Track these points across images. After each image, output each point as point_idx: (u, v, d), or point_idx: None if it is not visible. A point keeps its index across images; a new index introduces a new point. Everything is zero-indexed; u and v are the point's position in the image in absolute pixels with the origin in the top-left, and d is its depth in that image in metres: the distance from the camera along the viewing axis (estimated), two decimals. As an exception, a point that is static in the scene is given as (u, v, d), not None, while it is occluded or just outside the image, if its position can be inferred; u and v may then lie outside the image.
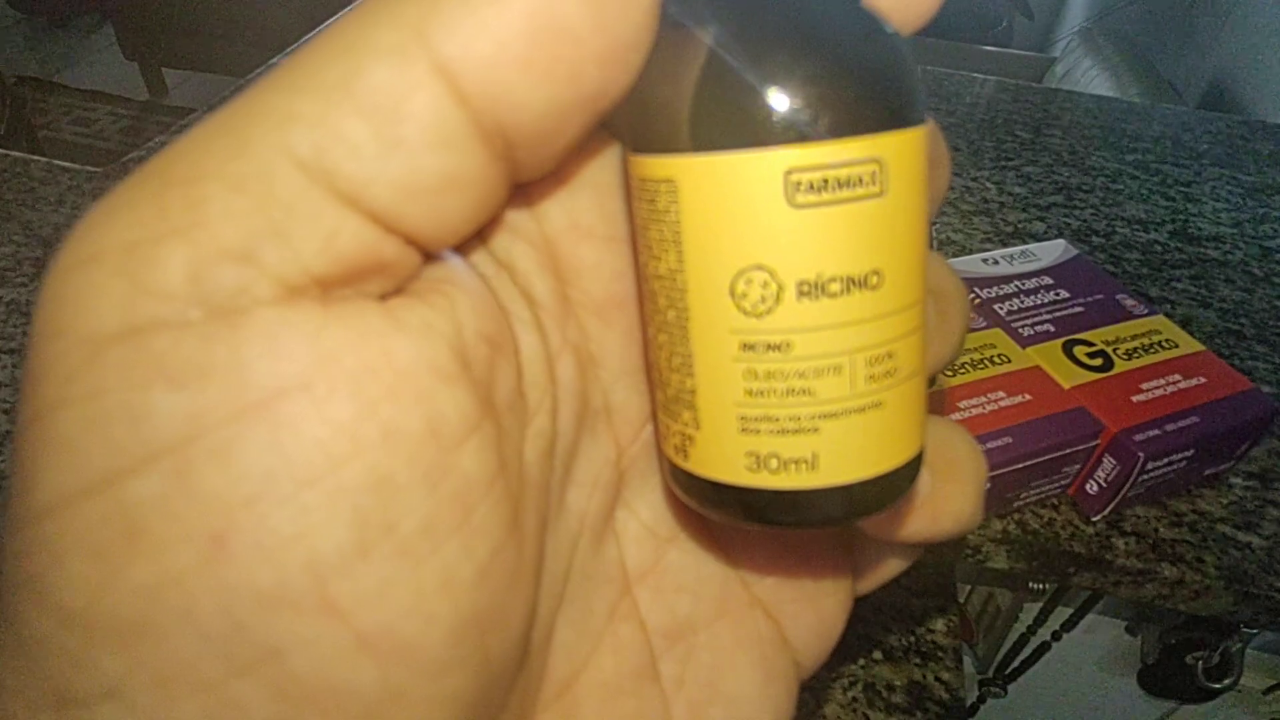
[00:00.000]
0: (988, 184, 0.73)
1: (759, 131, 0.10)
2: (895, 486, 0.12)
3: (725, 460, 0.12)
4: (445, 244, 0.11)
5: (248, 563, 0.09)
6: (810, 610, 0.16)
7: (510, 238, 0.13)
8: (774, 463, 0.12)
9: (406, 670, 0.10)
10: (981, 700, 0.70)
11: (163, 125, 2.14)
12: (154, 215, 0.09)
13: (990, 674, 0.69)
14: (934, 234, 0.63)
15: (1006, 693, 0.69)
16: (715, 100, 0.10)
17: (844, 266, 0.11)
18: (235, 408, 0.09)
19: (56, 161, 0.65)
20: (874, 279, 0.11)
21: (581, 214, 0.13)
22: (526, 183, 0.12)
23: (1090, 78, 1.55)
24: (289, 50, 0.82)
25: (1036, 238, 0.67)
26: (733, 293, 0.11)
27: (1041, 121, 0.85)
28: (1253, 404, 0.44)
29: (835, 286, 0.11)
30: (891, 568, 0.17)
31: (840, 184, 0.10)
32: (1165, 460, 0.42)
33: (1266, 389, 0.54)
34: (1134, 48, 1.57)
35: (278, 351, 0.09)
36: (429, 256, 0.11)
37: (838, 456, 0.11)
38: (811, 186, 0.10)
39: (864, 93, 0.10)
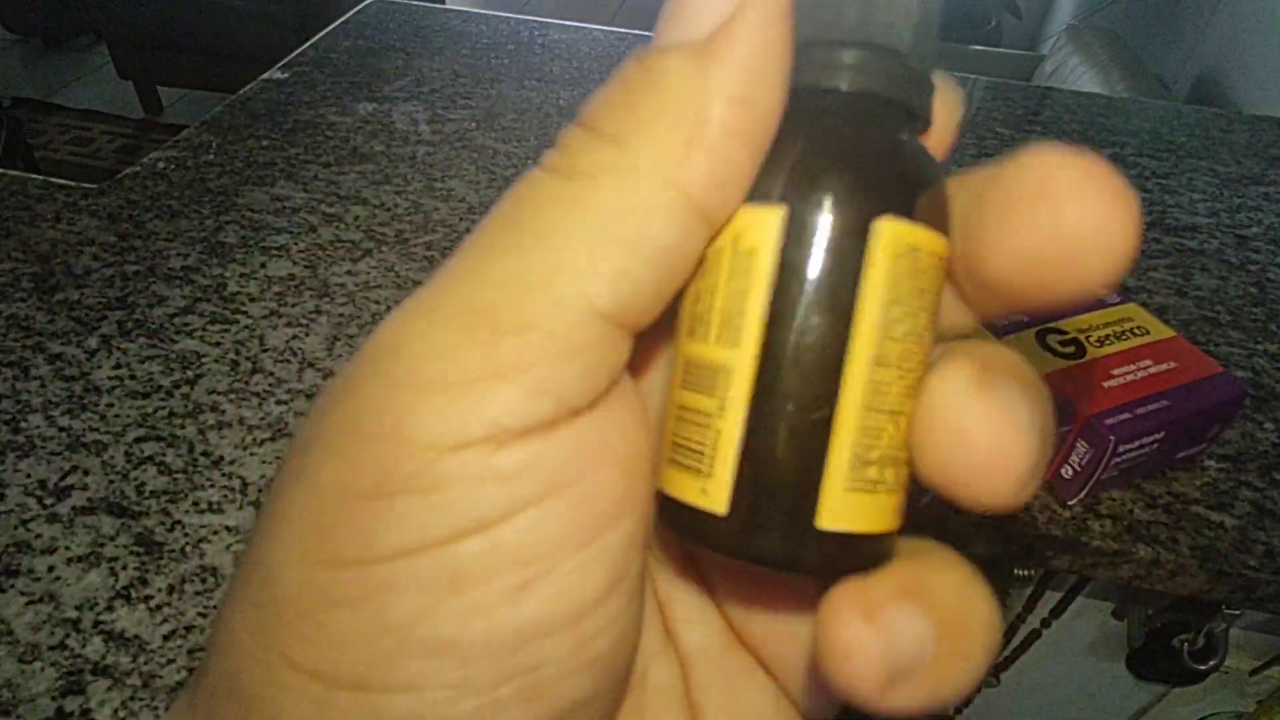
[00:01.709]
0: (968, 180, 0.74)
1: None
2: (673, 514, 0.13)
3: None
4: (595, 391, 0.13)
5: (536, 601, 0.12)
6: (802, 659, 0.16)
7: None
8: None
9: (607, 682, 0.13)
10: (976, 690, 0.71)
11: (158, 143, 2.15)
12: (482, 359, 0.11)
13: (982, 663, 0.69)
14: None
15: (1000, 681, 0.70)
16: None
17: None
18: (541, 494, 0.12)
19: (53, 179, 0.66)
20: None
21: None
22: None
23: (1079, 74, 1.56)
24: (282, 61, 0.83)
25: (1016, 232, 0.68)
26: None
27: (1022, 119, 0.86)
28: (1222, 387, 0.45)
29: None
30: None
31: None
32: (1136, 443, 0.43)
33: (1241, 374, 0.56)
34: (1122, 43, 1.58)
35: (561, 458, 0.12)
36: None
37: None
38: None
39: None
